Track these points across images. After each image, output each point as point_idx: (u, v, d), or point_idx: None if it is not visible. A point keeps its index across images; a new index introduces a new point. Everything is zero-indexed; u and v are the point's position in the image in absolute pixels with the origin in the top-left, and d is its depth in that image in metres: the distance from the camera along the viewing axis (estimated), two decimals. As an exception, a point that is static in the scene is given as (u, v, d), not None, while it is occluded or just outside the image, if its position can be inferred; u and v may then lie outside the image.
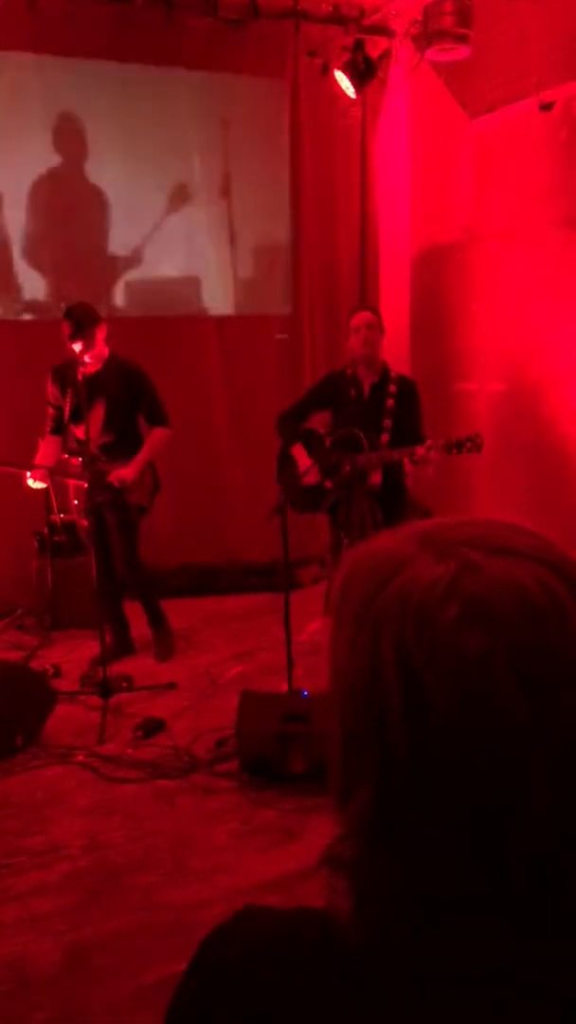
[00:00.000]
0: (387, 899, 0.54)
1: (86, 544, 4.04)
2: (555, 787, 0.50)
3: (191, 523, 4.55)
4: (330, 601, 0.63)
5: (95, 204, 5.15)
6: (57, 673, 4.10)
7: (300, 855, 2.68)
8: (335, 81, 5.04)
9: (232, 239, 5.50)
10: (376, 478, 3.90)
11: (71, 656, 4.37)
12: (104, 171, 5.11)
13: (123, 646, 4.40)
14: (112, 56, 4.97)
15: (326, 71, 5.14)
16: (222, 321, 5.47)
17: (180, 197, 5.25)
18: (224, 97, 5.32)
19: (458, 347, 5.64)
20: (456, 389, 5.60)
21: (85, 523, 4.25)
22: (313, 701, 3.24)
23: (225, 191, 5.39)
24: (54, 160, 4.99)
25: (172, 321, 5.29)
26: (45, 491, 4.30)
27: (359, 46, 4.90)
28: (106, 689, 3.65)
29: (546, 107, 4.59)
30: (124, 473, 4.05)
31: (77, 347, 3.87)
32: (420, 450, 3.65)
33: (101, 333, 4.01)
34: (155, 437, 4.21)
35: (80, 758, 3.33)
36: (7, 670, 3.59)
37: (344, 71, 4.94)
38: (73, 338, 3.85)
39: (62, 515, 4.56)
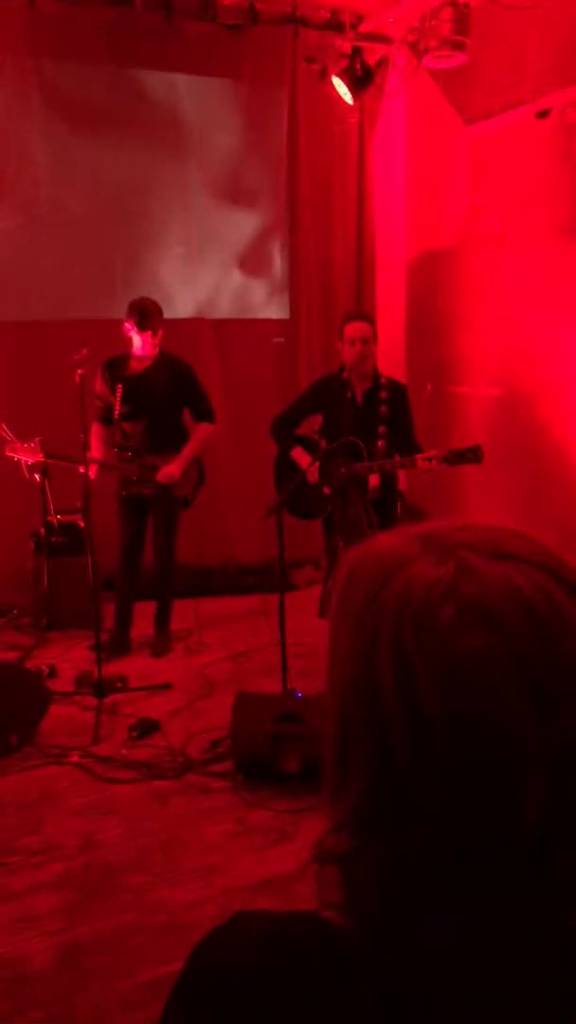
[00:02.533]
0: (379, 889, 0.55)
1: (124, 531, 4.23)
2: (550, 789, 0.50)
3: (187, 524, 4.58)
4: (331, 599, 0.63)
5: (94, 207, 5.16)
6: (52, 673, 4.10)
7: (294, 855, 2.70)
8: (333, 87, 5.06)
9: (230, 242, 5.52)
10: (375, 481, 3.92)
11: (66, 656, 4.38)
12: (103, 175, 5.12)
13: (122, 643, 4.41)
14: (111, 60, 4.99)
15: (324, 77, 5.16)
16: (220, 324, 5.48)
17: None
18: (223, 102, 5.34)
19: (453, 351, 5.66)
20: (451, 393, 5.63)
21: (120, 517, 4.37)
22: (307, 702, 3.26)
23: (223, 195, 5.41)
24: (53, 162, 5.00)
25: (170, 324, 5.28)
26: (42, 491, 4.33)
27: (356, 53, 4.93)
28: (101, 689, 3.66)
29: (542, 114, 4.62)
30: (171, 470, 4.19)
31: (143, 338, 4.08)
32: (421, 462, 3.66)
33: (162, 328, 4.16)
34: (201, 432, 4.35)
35: (75, 758, 3.34)
36: (2, 670, 3.60)
37: (341, 77, 4.96)
38: (142, 328, 4.06)
39: (59, 516, 4.58)
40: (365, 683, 0.54)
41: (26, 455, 4.05)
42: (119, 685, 3.89)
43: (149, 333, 4.10)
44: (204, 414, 4.37)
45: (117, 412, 4.16)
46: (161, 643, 4.46)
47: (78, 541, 4.58)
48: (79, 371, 3.63)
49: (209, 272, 5.49)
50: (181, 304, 5.44)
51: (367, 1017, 0.54)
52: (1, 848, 2.80)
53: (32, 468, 4.13)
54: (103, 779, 3.20)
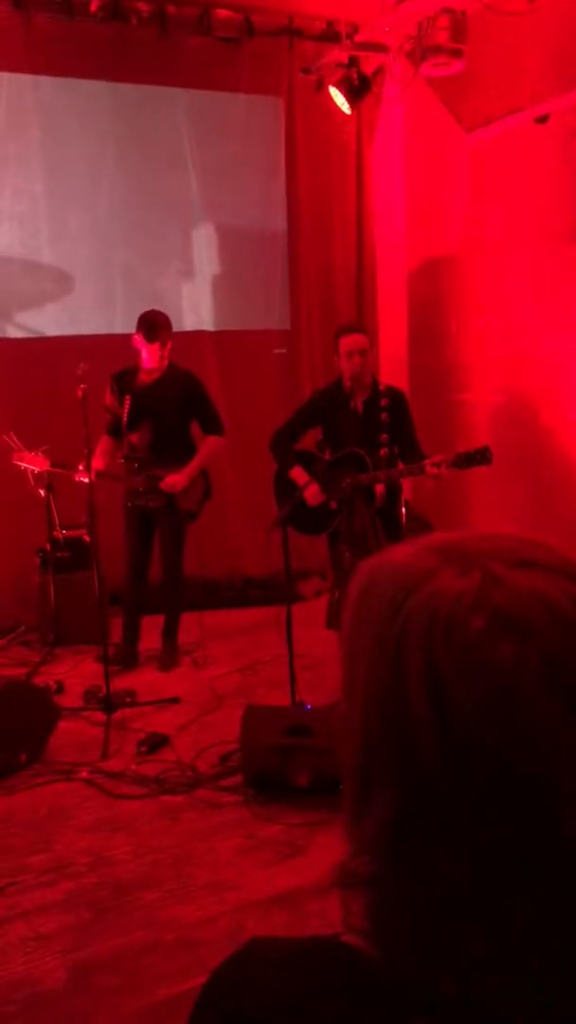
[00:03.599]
0: (410, 913, 0.53)
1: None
2: None
3: (192, 537, 4.58)
4: (343, 614, 0.59)
5: (93, 222, 5.18)
6: (60, 689, 4.09)
7: (305, 869, 2.67)
8: (330, 97, 5.08)
9: (229, 254, 5.53)
10: (381, 490, 3.90)
11: (74, 672, 4.37)
12: (101, 190, 5.14)
13: (129, 657, 4.40)
14: (108, 75, 5.02)
15: (321, 87, 5.18)
16: (220, 336, 5.49)
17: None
18: (220, 115, 5.36)
19: (456, 359, 5.66)
20: (454, 400, 5.62)
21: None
22: (316, 714, 3.24)
23: (222, 207, 5.42)
24: (51, 178, 5.02)
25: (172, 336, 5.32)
26: (47, 507, 4.34)
27: (353, 63, 4.94)
28: (109, 704, 3.65)
29: (541, 120, 4.62)
30: (176, 479, 4.18)
31: (150, 350, 4.11)
32: (430, 468, 3.63)
33: (170, 341, 4.17)
34: (209, 445, 4.36)
35: (84, 774, 3.32)
36: (10, 686, 3.59)
37: (338, 87, 4.98)
38: (150, 339, 4.09)
39: (64, 531, 4.59)
40: (391, 701, 0.53)
41: (33, 463, 4.07)
42: (127, 700, 3.88)
43: (157, 345, 4.12)
44: (213, 427, 4.37)
45: (125, 422, 4.17)
46: (169, 657, 4.45)
47: (84, 556, 4.58)
48: (81, 386, 3.64)
49: (209, 284, 5.50)
50: (182, 317, 5.45)
51: None
52: (11, 866, 2.78)
53: (38, 478, 4.14)
54: (113, 795, 3.19)
